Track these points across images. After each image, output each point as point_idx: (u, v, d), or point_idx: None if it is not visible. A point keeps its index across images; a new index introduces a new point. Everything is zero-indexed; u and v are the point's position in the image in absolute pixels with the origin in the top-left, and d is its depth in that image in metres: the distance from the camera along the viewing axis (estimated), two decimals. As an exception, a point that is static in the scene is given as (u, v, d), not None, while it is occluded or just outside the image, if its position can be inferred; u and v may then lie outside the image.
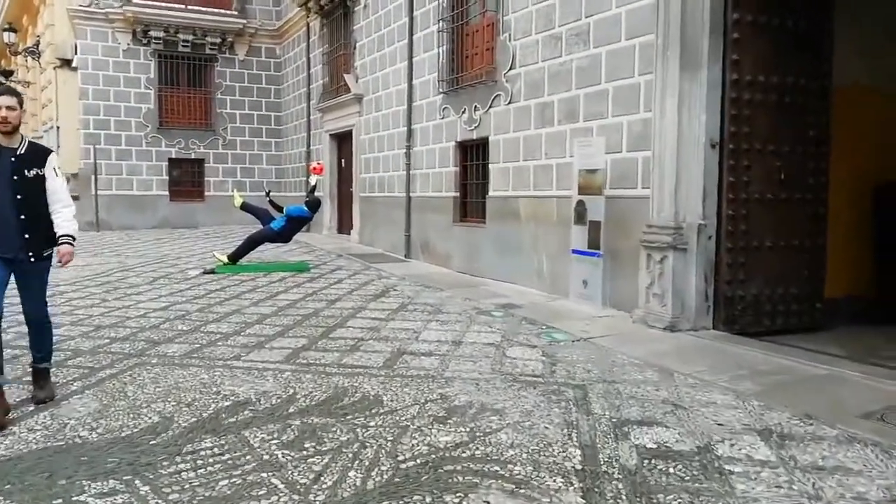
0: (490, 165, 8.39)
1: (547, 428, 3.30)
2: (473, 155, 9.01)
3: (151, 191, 15.70)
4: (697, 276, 5.43)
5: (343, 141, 13.47)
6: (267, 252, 10.33)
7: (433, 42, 9.56)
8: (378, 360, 4.54)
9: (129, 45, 15.24)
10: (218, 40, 15.87)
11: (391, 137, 11.05)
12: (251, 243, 9.01)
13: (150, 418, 3.43)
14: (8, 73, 23.85)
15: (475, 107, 8.60)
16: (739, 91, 5.42)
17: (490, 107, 8.31)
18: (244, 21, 15.96)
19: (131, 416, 3.46)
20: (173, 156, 15.88)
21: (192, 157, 16.12)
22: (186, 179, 16.29)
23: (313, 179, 9.54)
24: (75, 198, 17.05)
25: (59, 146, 17.59)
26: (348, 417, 3.44)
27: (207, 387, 3.94)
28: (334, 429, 3.28)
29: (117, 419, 3.41)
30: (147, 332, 5.38)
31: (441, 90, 9.34)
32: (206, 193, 16.36)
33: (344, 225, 13.58)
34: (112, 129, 15.20)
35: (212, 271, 8.59)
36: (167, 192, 15.88)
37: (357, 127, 12.33)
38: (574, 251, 6.60)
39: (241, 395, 3.78)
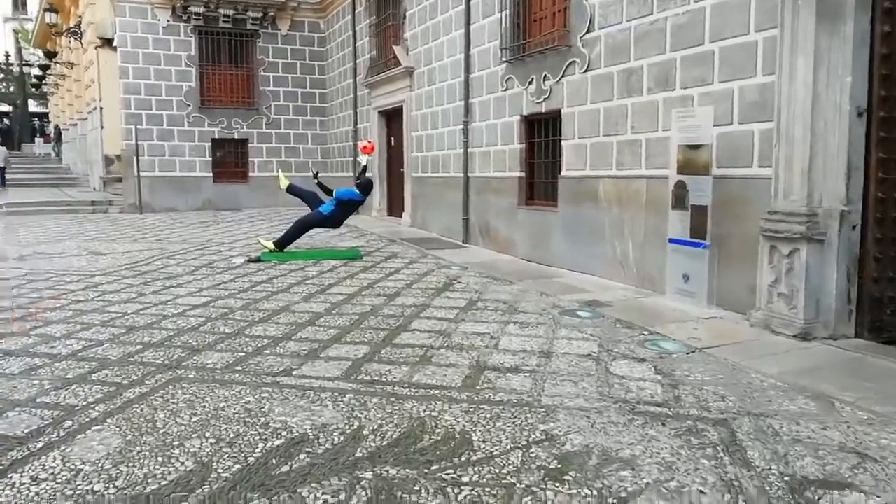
0: (562, 142, 7.47)
1: (702, 493, 2.45)
2: (542, 130, 8.09)
3: (194, 172, 15.20)
4: (839, 272, 4.46)
5: (392, 118, 12.66)
6: (315, 237, 9.65)
7: (494, 6, 8.62)
8: (456, 378, 3.75)
9: (168, 21, 14.66)
10: (259, 15, 15.16)
11: (446, 113, 10.18)
12: (299, 229, 8.31)
13: (182, 464, 2.70)
14: (52, 55, 23.74)
15: (544, 76, 7.67)
16: (893, 47, 4.38)
17: (562, 76, 7.36)
18: (287, -7, 15.21)
19: (160, 459, 2.74)
20: (216, 136, 15.32)
21: (236, 136, 15.54)
22: (230, 160, 15.74)
23: (363, 159, 8.76)
24: (118, 179, 16.77)
25: (102, 127, 17.27)
26: (433, 468, 2.65)
27: (254, 415, 3.21)
28: (417, 488, 2.49)
29: (142, 465, 2.69)
30: (185, 335, 4.70)
31: (504, 59, 8.42)
32: (250, 174, 15.80)
33: (394, 207, 12.82)
34: (153, 109, 14.69)
35: (257, 259, 7.92)
36: (210, 174, 15.36)
37: (408, 102, 11.49)
38: (672, 240, 5.67)
39: (295, 429, 3.03)
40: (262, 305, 5.65)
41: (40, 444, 2.91)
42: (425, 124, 10.95)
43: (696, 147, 5.38)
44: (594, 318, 5.17)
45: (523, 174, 8.37)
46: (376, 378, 3.76)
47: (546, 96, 7.68)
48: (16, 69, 37.87)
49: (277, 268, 7.58)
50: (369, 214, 13.22)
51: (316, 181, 8.43)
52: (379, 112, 12.93)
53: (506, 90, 8.51)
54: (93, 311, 5.44)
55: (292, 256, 8.14)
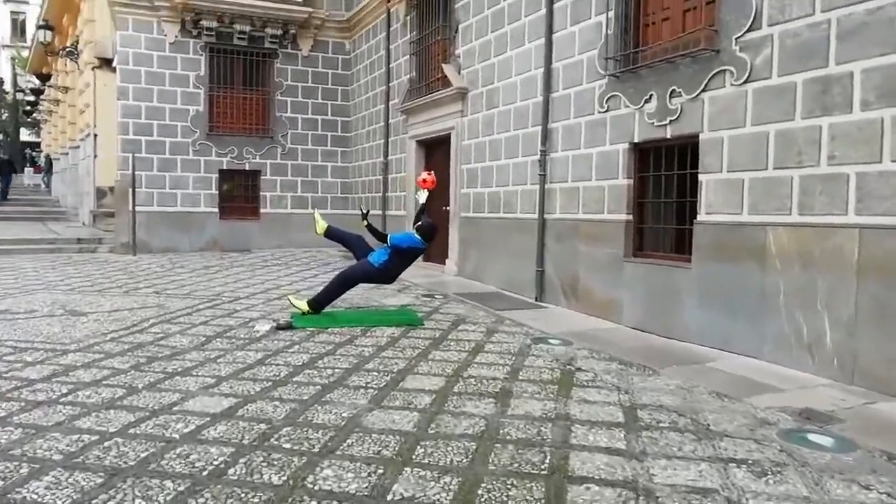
0: (700, 176, 5.63)
1: None
2: (661, 161, 6.27)
3: (199, 207, 13.31)
4: None
5: (433, 148, 10.87)
6: (351, 292, 7.70)
7: (590, 7, 6.89)
8: None
9: (176, 36, 12.95)
10: (279, 32, 13.49)
11: (512, 141, 8.38)
12: (341, 285, 6.40)
13: None
14: (46, 77, 22.05)
15: (672, 92, 5.87)
16: None
17: (703, 90, 5.57)
18: (310, 10, 13.55)
19: None
20: (224, 166, 13.49)
21: (247, 168, 13.71)
22: (239, 194, 13.88)
23: (422, 196, 6.90)
24: (110, 214, 14.87)
25: (96, 156, 15.47)
26: None
27: None
28: None
29: None
30: (203, 493, 2.73)
31: (606, 72, 6.64)
32: (262, 211, 13.92)
33: (434, 253, 10.89)
34: (154, 135, 12.88)
35: (288, 326, 5.98)
36: (217, 209, 13.48)
37: (457, 130, 9.70)
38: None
39: None
40: (316, 415, 3.70)
41: None
42: (481, 155, 9.14)
43: None
44: (848, 452, 3.24)
45: (630, 217, 6.51)
46: None
47: (674, 117, 5.87)
48: (9, 97, 36.26)
49: (317, 339, 5.64)
50: (403, 260, 11.30)
51: (365, 223, 6.51)
52: (417, 142, 11.15)
53: (606, 111, 6.71)
54: (53, 427, 3.47)
55: (332, 321, 6.20)
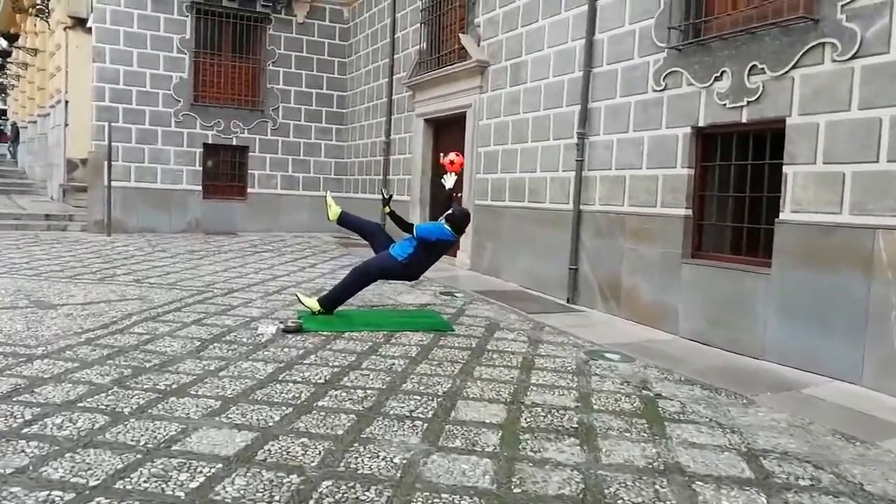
0: (786, 168, 4.85)
1: None
2: (730, 149, 5.47)
3: (180, 184, 12.25)
4: None
5: (445, 128, 9.98)
6: (365, 290, 6.79)
7: (647, -30, 6.04)
8: None
9: (159, -5, 11.82)
10: (272, -5, 12.43)
11: (541, 122, 7.53)
12: (358, 281, 5.52)
13: None
14: (13, 38, 20.53)
15: (752, 68, 5.06)
16: None
17: (794, 66, 4.77)
18: (307, -27, 12.51)
19: None
20: (210, 140, 12.43)
21: (234, 143, 12.66)
22: (225, 172, 12.84)
23: (449, 180, 6.02)
24: (82, 189, 13.71)
25: (67, 124, 14.26)
26: None
27: None
28: None
29: None
30: None
31: (666, 44, 5.81)
32: (249, 190, 12.90)
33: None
34: (133, 103, 11.76)
35: (297, 328, 5.08)
36: (200, 187, 12.42)
37: (475, 108, 8.82)
38: None
39: None
40: (360, 462, 2.85)
41: None
42: (503, 137, 8.27)
43: None
44: None
45: (689, 212, 5.72)
46: None
47: (752, 98, 5.06)
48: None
49: (334, 346, 4.77)
50: (406, 248, 10.42)
51: (387, 209, 5.60)
52: (426, 120, 10.23)
53: (662, 90, 5.89)
54: (12, 478, 2.57)
55: (348, 323, 5.32)
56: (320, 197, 12.84)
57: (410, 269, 5.53)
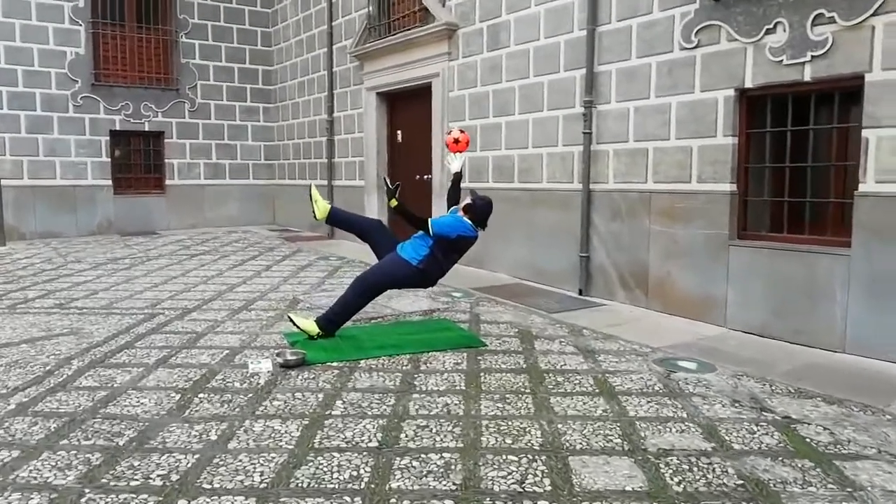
0: (867, 133, 4.20)
1: None
2: (784, 112, 4.78)
3: (85, 179, 10.51)
4: None
5: (403, 102, 8.90)
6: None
7: None
8: None
9: (42, -45, 9.94)
10: (180, -44, 10.78)
11: (531, 90, 6.64)
12: (364, 293, 4.44)
13: None
14: None
15: (816, 17, 4.37)
16: None
17: (874, 13, 4.10)
18: (219, -71, 10.92)
19: None
20: (117, 126, 10.72)
21: (147, 128, 11.01)
22: (137, 162, 11.17)
23: (456, 162, 5.04)
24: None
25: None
26: None
27: None
28: None
29: None
30: None
31: (698, -6, 5.04)
32: (168, 182, 11.31)
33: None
34: (20, 86, 9.91)
35: (299, 362, 3.98)
36: (110, 181, 10.72)
37: (443, 78, 7.80)
38: None
39: None
40: None
41: None
42: (481, 110, 7.32)
43: None
44: None
45: (734, 188, 5.02)
46: None
47: (818, 53, 4.37)
48: None
49: (357, 384, 3.72)
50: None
51: (394, 203, 4.50)
52: (378, 94, 9.10)
53: (694, 47, 5.12)
54: None
55: (358, 349, 4.26)
56: (249, 186, 11.57)
57: (427, 275, 4.52)
